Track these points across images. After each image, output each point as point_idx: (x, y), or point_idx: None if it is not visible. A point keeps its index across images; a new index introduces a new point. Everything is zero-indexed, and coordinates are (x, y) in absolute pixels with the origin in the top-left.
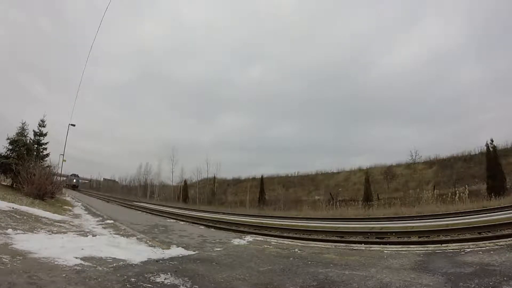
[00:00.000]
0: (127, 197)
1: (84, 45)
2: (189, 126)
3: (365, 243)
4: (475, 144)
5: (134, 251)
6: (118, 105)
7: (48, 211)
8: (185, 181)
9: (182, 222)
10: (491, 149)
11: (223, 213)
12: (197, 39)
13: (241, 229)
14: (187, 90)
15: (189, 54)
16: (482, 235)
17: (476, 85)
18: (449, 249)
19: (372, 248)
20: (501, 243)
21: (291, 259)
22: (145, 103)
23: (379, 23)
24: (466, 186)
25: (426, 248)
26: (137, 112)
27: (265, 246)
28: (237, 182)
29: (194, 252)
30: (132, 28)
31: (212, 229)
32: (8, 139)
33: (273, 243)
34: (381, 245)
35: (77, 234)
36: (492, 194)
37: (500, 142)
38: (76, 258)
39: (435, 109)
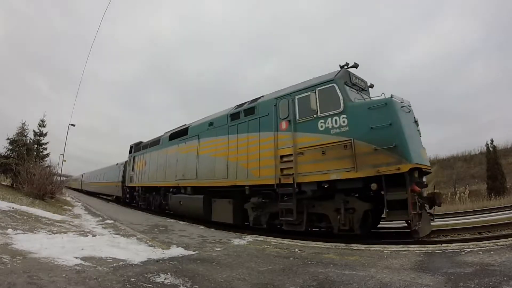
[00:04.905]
0: None
1: (95, 42)
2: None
3: (365, 243)
4: (475, 144)
5: (134, 251)
6: (122, 104)
7: (48, 211)
8: None
9: (182, 222)
10: (491, 149)
11: None
12: (210, 35)
13: (241, 229)
14: (193, 89)
15: (199, 52)
16: (482, 235)
17: (477, 86)
18: (449, 249)
19: (372, 248)
20: (501, 243)
21: (291, 259)
22: (150, 101)
23: (393, 22)
24: (467, 186)
25: (426, 248)
26: (141, 111)
27: (265, 246)
28: None
29: (194, 252)
30: (142, 23)
31: (212, 229)
32: (8, 139)
33: (273, 243)
34: (381, 245)
35: (77, 234)
36: (492, 194)
37: (500, 142)
38: (76, 258)
39: (436, 110)
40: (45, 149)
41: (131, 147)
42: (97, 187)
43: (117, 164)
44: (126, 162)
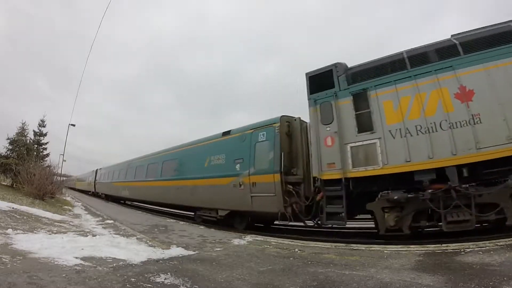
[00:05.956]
0: None
1: (96, 41)
2: (195, 126)
3: (365, 243)
4: None
5: (134, 251)
6: (123, 103)
7: (48, 211)
8: None
9: (182, 222)
10: None
11: None
12: (212, 35)
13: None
14: (193, 88)
15: (201, 52)
16: (482, 235)
17: None
18: (449, 249)
19: (372, 248)
20: (501, 243)
21: (291, 259)
22: (150, 101)
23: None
24: None
25: (426, 248)
26: (144, 112)
27: (265, 246)
28: None
29: (194, 252)
30: (144, 22)
31: (212, 229)
32: (8, 139)
33: (273, 243)
34: (381, 245)
35: (77, 234)
36: None
37: None
38: (76, 258)
39: None
40: (45, 149)
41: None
42: (157, 191)
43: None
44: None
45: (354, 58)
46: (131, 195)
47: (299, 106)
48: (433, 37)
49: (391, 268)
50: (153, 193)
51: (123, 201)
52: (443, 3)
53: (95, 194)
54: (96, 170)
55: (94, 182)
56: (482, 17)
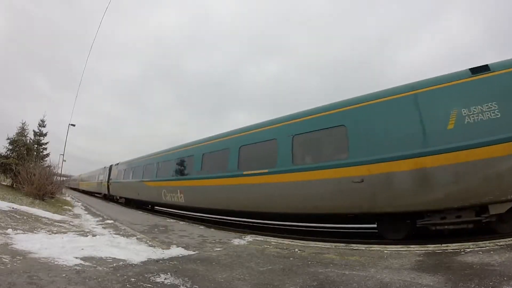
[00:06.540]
0: None
1: (97, 41)
2: (196, 125)
3: (365, 243)
4: None
5: (134, 251)
6: (123, 103)
7: (48, 211)
8: None
9: (182, 222)
10: None
11: None
12: (212, 37)
13: (241, 229)
14: (197, 90)
15: (202, 52)
16: (482, 235)
17: None
18: (449, 249)
19: (372, 248)
20: (501, 243)
21: (291, 259)
22: (152, 102)
23: (394, 22)
24: None
25: (426, 248)
26: (144, 112)
27: (265, 246)
28: None
29: (194, 252)
30: (144, 22)
31: (212, 229)
32: (8, 139)
33: (273, 243)
34: (381, 245)
35: (77, 234)
36: None
37: None
38: (76, 258)
39: None
40: (45, 149)
41: None
42: (281, 193)
43: None
44: None
45: (355, 57)
46: (189, 201)
47: (299, 106)
48: (433, 36)
49: (391, 268)
50: (262, 196)
51: (148, 206)
52: (443, 3)
53: (110, 198)
54: (110, 166)
55: (108, 182)
56: (482, 17)
